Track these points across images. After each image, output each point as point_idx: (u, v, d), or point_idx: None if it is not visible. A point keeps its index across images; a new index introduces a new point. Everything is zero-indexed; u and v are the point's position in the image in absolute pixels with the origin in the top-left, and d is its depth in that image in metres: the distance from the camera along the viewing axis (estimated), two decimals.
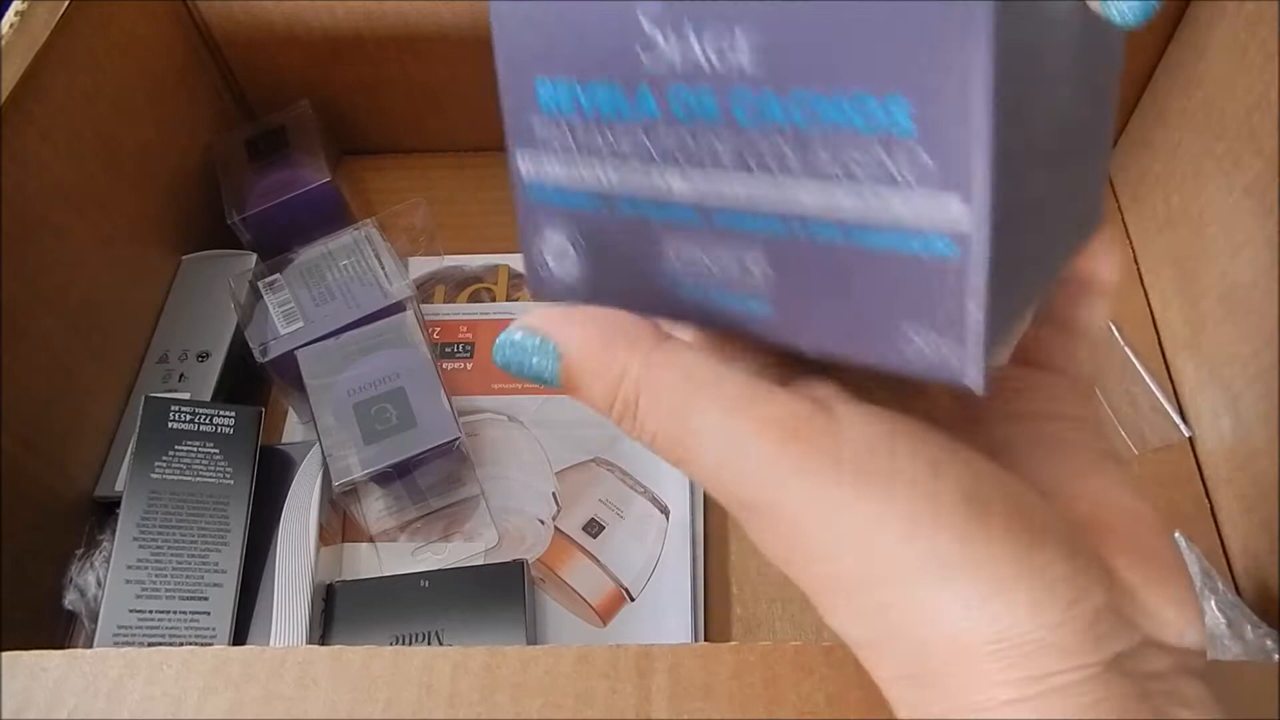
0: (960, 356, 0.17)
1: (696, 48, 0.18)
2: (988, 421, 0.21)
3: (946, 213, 0.16)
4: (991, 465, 0.18)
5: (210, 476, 0.44)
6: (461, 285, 0.59)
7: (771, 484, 0.18)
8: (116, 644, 0.40)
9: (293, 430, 0.54)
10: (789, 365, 0.21)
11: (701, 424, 0.18)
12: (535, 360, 0.20)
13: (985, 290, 0.16)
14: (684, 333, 0.22)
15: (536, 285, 0.22)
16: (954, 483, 0.17)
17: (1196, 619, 0.18)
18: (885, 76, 0.16)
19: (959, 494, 0.17)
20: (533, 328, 0.20)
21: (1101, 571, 0.18)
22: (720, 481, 0.18)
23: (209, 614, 0.42)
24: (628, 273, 0.21)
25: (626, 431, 0.19)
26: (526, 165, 0.21)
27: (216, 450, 0.45)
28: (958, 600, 0.17)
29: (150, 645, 0.40)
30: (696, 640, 0.46)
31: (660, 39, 0.19)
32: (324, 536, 0.46)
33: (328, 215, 0.57)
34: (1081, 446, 0.21)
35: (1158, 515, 0.20)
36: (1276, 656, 0.42)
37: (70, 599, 0.44)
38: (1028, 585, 0.17)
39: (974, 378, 0.17)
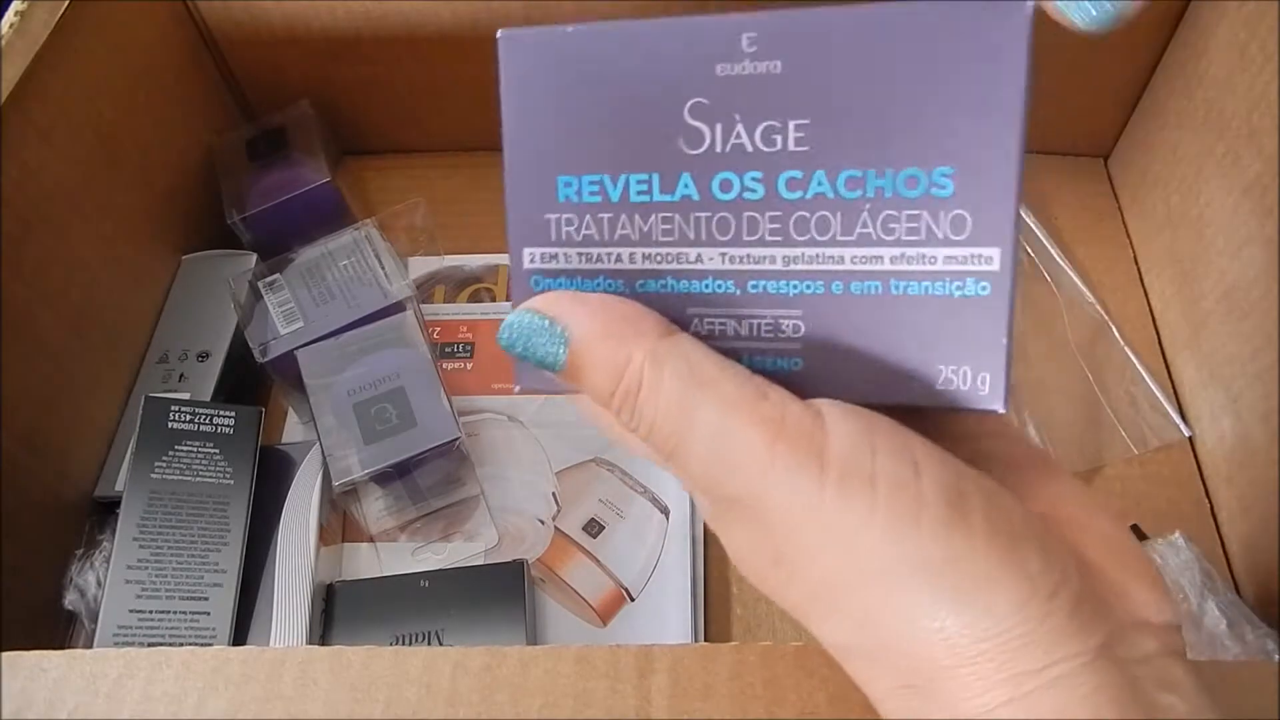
0: (989, 381, 0.19)
1: (745, 138, 0.20)
2: None
3: (981, 258, 0.19)
4: (967, 465, 0.19)
5: (210, 476, 0.44)
6: (461, 285, 0.59)
7: (759, 480, 0.18)
8: (116, 644, 0.40)
9: (293, 430, 0.54)
10: None
11: (698, 418, 0.18)
12: (543, 343, 0.20)
13: (1009, 317, 0.19)
14: None
15: (532, 380, 0.22)
16: (935, 481, 0.17)
17: (1167, 595, 0.19)
18: (936, 153, 0.19)
19: (940, 493, 0.17)
20: (541, 310, 0.20)
21: (1075, 560, 0.18)
22: (710, 476, 0.19)
23: (209, 614, 0.42)
24: None
25: (624, 423, 0.20)
26: (534, 262, 0.22)
27: (216, 450, 0.45)
28: (942, 600, 0.17)
29: (150, 645, 0.40)
30: (696, 640, 0.46)
31: (707, 132, 0.20)
32: (324, 536, 0.46)
33: (328, 215, 0.57)
34: (1017, 455, 0.21)
35: (1108, 508, 0.20)
36: (1276, 656, 0.42)
37: (70, 599, 0.44)
38: (1010, 581, 0.17)
39: (1001, 399, 0.19)
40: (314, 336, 0.49)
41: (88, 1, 0.47)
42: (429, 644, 0.44)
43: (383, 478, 0.46)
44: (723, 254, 0.20)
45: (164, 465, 0.44)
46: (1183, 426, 0.52)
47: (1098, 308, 0.57)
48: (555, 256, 0.21)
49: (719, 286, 0.21)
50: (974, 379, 0.19)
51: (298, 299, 0.51)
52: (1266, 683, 0.24)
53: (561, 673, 0.25)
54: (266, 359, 0.49)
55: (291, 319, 0.50)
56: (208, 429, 0.45)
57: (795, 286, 0.20)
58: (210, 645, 0.40)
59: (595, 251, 0.21)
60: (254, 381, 0.54)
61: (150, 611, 0.41)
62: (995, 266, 0.19)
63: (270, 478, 0.46)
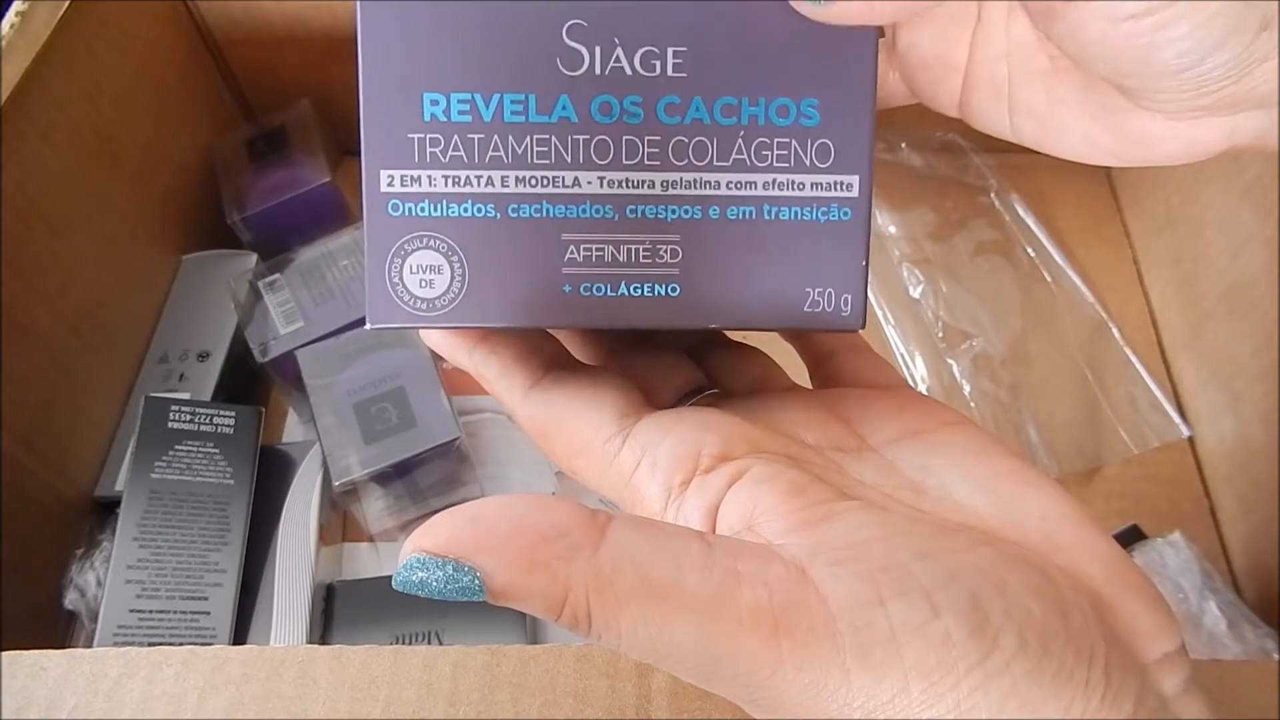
0: (850, 302, 0.21)
1: (624, 62, 0.20)
2: (876, 449, 0.21)
3: (843, 185, 0.21)
4: (967, 560, 0.17)
5: (210, 476, 0.44)
6: None
7: (771, 683, 0.16)
8: (116, 644, 0.40)
9: (293, 430, 0.54)
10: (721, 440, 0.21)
11: (676, 639, 0.16)
12: (456, 589, 0.17)
13: (867, 241, 0.21)
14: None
15: (385, 313, 0.21)
16: (955, 611, 0.16)
17: (1171, 615, 0.18)
18: (803, 85, 0.20)
19: (962, 621, 0.16)
20: (438, 553, 0.17)
21: (1101, 634, 0.17)
22: (714, 685, 0.17)
23: (209, 614, 0.42)
24: (516, 280, 0.21)
25: (580, 635, 0.17)
26: (392, 185, 0.21)
27: (216, 450, 0.45)
28: None
29: (150, 645, 0.40)
30: None
31: (585, 54, 0.20)
32: (324, 536, 0.46)
33: (328, 215, 0.57)
34: (958, 442, 0.21)
35: (1083, 506, 0.20)
36: (1276, 656, 0.42)
37: (70, 599, 0.44)
38: (1050, 701, 0.16)
39: (860, 319, 0.21)
40: (314, 336, 0.49)
41: (88, 1, 0.47)
42: (429, 644, 0.44)
43: (383, 477, 0.46)
44: (601, 177, 0.20)
45: (164, 465, 0.44)
46: (1183, 426, 0.52)
47: (1098, 308, 0.57)
48: (417, 179, 0.21)
49: (597, 211, 0.20)
50: (837, 300, 0.21)
51: (298, 299, 0.51)
52: (1266, 683, 0.24)
53: (561, 672, 0.25)
54: (266, 359, 0.49)
55: (291, 319, 0.50)
56: (208, 429, 0.45)
57: (674, 211, 0.20)
58: (210, 645, 0.40)
59: (464, 174, 0.20)
60: (254, 381, 0.54)
61: (150, 611, 0.41)
62: (855, 193, 0.21)
63: (270, 478, 0.46)
